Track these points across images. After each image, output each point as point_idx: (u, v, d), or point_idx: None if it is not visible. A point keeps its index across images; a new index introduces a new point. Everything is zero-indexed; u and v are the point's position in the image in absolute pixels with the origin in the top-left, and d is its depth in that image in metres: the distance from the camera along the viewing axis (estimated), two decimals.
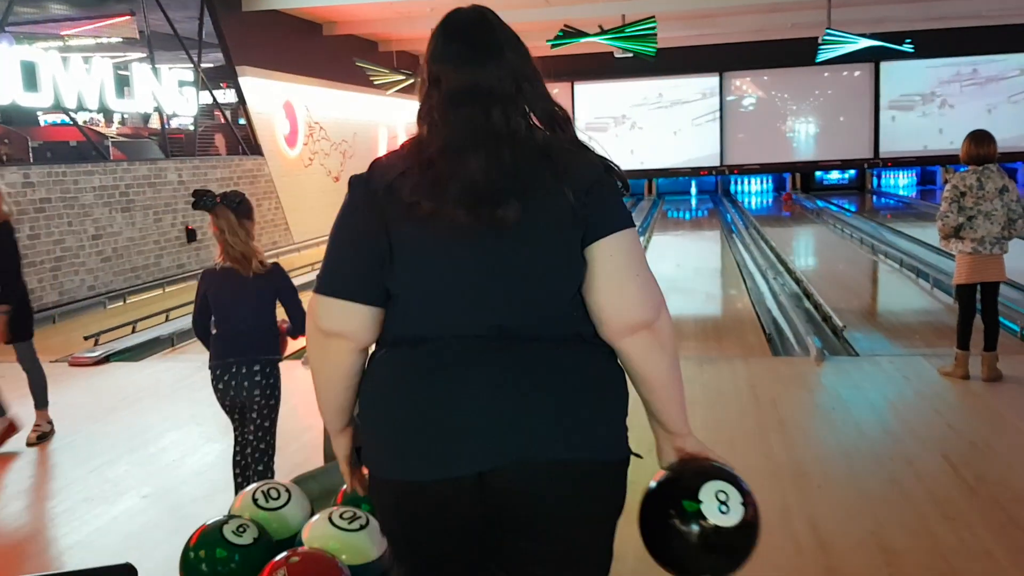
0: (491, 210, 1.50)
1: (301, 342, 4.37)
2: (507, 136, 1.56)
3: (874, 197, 20.83)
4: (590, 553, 1.71)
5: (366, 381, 1.65)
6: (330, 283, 1.63)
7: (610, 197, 1.61)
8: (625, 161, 21.61)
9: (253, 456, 3.60)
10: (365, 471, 1.72)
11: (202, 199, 3.51)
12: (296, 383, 6.06)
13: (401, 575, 1.71)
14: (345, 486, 2.40)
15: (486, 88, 1.59)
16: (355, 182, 1.73)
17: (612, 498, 1.68)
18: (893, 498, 3.60)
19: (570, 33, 13.21)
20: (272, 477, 3.59)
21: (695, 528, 1.66)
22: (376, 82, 16.10)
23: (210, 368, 3.53)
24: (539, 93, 1.68)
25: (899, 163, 21.83)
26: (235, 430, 3.63)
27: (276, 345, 3.74)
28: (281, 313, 3.76)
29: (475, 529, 1.60)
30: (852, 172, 22.41)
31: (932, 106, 21.38)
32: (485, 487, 1.54)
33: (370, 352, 1.66)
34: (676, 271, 10.48)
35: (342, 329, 1.61)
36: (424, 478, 1.54)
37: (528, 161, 1.56)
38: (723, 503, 1.70)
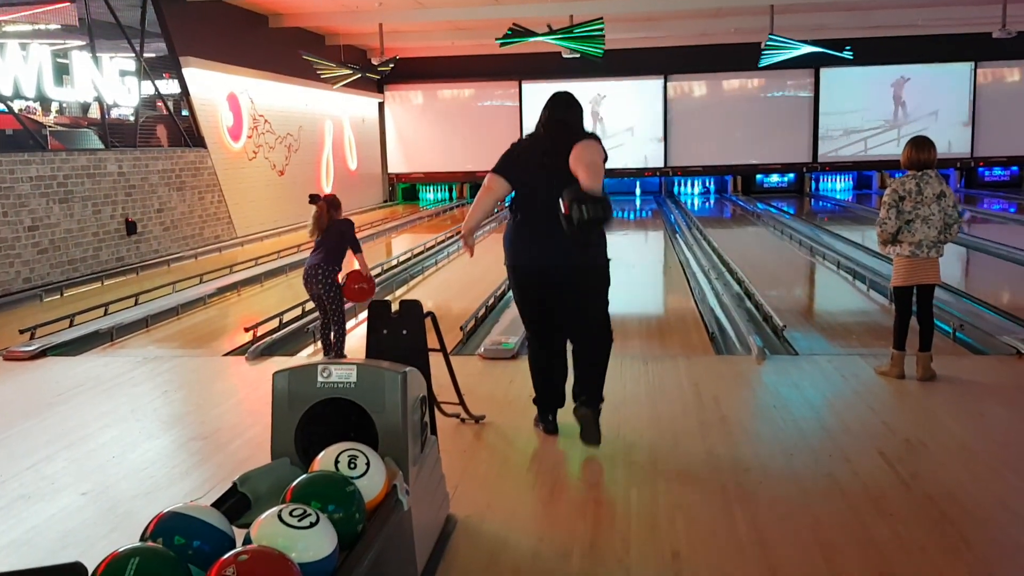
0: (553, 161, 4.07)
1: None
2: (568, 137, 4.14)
3: (812, 200, 21.25)
4: (599, 298, 4.30)
5: (508, 225, 4.36)
6: (496, 168, 4.27)
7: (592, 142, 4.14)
8: None
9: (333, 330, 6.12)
10: (470, 248, 4.49)
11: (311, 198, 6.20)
12: (241, 378, 6.01)
13: (520, 311, 4.46)
14: (295, 483, 2.41)
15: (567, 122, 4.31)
16: (515, 142, 4.45)
17: (603, 279, 4.30)
18: (831, 494, 3.69)
19: (519, 32, 13.24)
20: (342, 348, 6.12)
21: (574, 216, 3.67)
22: (323, 76, 15.95)
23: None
24: (582, 122, 4.36)
25: (837, 167, 22.32)
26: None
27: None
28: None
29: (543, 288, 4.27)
30: (791, 175, 22.83)
31: (870, 112, 21.87)
32: (544, 271, 4.19)
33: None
34: (621, 271, 10.56)
35: (494, 187, 4.25)
36: (522, 264, 4.26)
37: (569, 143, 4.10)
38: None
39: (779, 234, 14.08)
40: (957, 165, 21.59)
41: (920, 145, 5.23)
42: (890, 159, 21.32)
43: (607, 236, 4.23)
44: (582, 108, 4.39)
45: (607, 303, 4.34)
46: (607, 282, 4.31)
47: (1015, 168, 22.06)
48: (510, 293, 8.99)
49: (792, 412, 4.81)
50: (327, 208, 6.11)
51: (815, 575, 3.02)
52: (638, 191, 23.18)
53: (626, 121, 22.33)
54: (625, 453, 4.24)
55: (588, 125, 4.54)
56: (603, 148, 4.15)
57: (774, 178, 22.96)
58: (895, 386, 5.24)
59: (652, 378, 5.50)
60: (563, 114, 4.30)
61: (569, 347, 4.45)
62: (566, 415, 4.44)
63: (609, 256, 4.29)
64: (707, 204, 21.11)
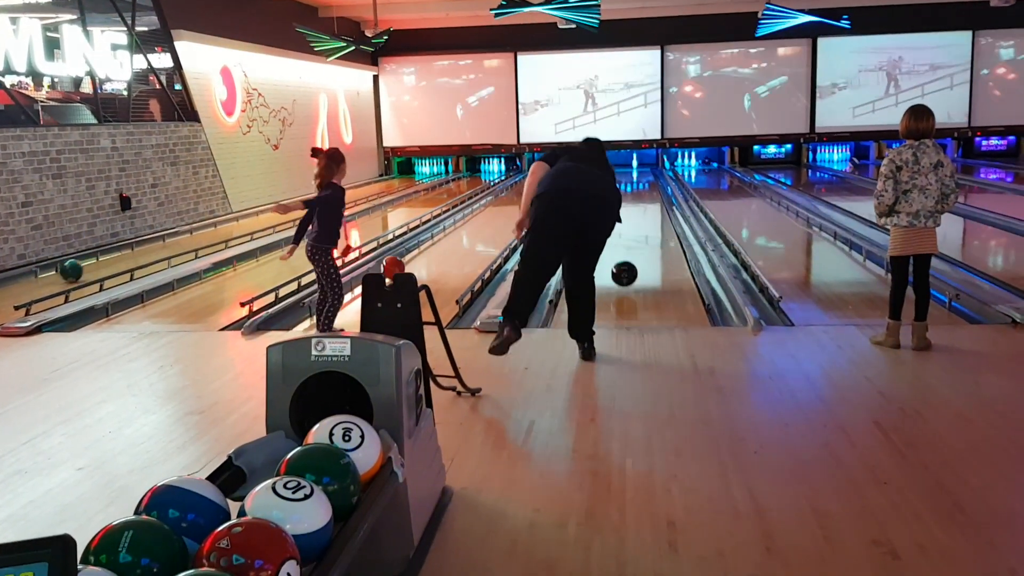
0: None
1: None
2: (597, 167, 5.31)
3: (809, 171, 21.19)
4: (607, 228, 5.18)
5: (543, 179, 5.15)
6: (543, 158, 5.29)
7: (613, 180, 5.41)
8: (566, 134, 21.80)
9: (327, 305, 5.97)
10: (521, 230, 5.18)
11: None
12: (237, 352, 6.01)
13: (528, 239, 5.03)
14: (290, 455, 2.41)
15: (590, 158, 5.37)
16: (551, 151, 5.46)
17: (615, 211, 5.19)
18: (827, 464, 3.70)
19: (513, 2, 13.12)
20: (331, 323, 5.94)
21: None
22: (316, 48, 15.83)
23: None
24: (606, 159, 5.45)
25: (834, 138, 22.25)
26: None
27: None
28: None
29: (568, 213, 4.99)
30: (788, 146, 22.76)
31: (867, 82, 21.77)
32: (572, 195, 5.01)
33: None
34: (617, 243, 10.55)
35: (539, 172, 5.18)
36: (553, 192, 5.02)
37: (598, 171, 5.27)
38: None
39: (776, 205, 14.05)
40: (955, 135, 21.51)
41: (918, 114, 5.19)
42: (888, 129, 21.25)
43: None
44: (603, 146, 5.53)
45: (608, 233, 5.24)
46: (610, 228, 5.20)
47: (1012, 138, 22.00)
48: (506, 267, 9.04)
49: (788, 382, 4.82)
50: (326, 163, 5.82)
51: (811, 543, 3.03)
52: (635, 163, 23.11)
53: (622, 92, 22.21)
54: (621, 424, 4.25)
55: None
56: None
57: (771, 149, 22.88)
58: (891, 356, 5.25)
59: (648, 349, 5.50)
60: (594, 153, 5.40)
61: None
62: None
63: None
64: (709, 177, 21.03)
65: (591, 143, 5.50)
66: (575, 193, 4.98)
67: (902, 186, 5.16)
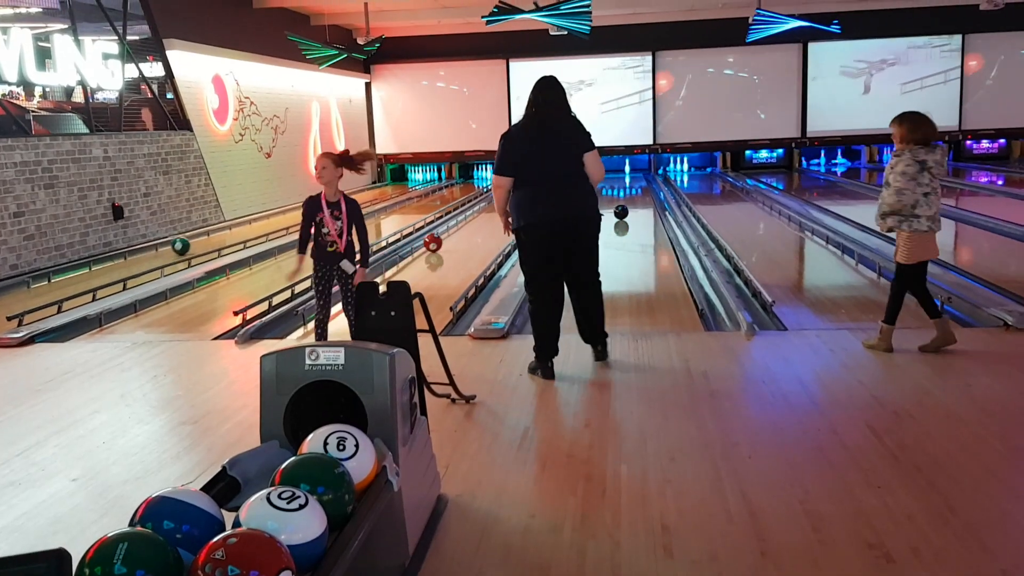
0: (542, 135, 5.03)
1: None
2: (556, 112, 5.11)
3: (801, 176, 21.26)
4: (597, 246, 5.19)
5: (513, 197, 5.05)
6: (497, 170, 5.09)
7: (586, 140, 5.11)
8: None
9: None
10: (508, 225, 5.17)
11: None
12: (230, 361, 6.00)
13: (525, 269, 5.20)
14: (284, 465, 2.41)
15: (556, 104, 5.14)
16: (505, 134, 5.10)
17: (598, 229, 5.15)
18: (820, 466, 3.72)
19: (505, 9, 13.15)
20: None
21: None
22: (308, 56, 15.83)
23: None
24: (566, 100, 5.18)
25: (826, 142, 22.31)
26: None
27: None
28: None
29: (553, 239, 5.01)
30: (780, 151, 22.82)
31: (858, 86, 21.85)
32: (554, 222, 4.98)
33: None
34: (611, 248, 10.58)
35: (502, 184, 5.07)
36: (534, 221, 4.98)
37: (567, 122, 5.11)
38: None
39: (768, 210, 14.09)
40: (945, 138, 21.58)
41: (923, 120, 5.13)
42: (879, 133, 21.31)
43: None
44: (563, 89, 5.19)
45: (598, 249, 5.24)
46: (599, 231, 5.19)
47: (1003, 140, 22.10)
48: (500, 272, 9.05)
49: (781, 386, 4.83)
50: (332, 164, 5.42)
51: (804, 545, 3.04)
52: (627, 168, 23.15)
53: (614, 98, 22.25)
54: (615, 428, 4.26)
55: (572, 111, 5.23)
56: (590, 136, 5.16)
57: (763, 154, 22.95)
58: (883, 359, 5.27)
59: (642, 354, 5.51)
60: (549, 95, 5.10)
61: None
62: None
63: (601, 212, 5.20)
64: (702, 182, 21.07)
65: (544, 101, 5.10)
66: (560, 223, 4.99)
67: (923, 188, 5.08)
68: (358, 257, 5.52)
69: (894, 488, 3.46)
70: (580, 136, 5.09)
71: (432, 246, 10.60)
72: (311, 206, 5.40)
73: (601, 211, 5.20)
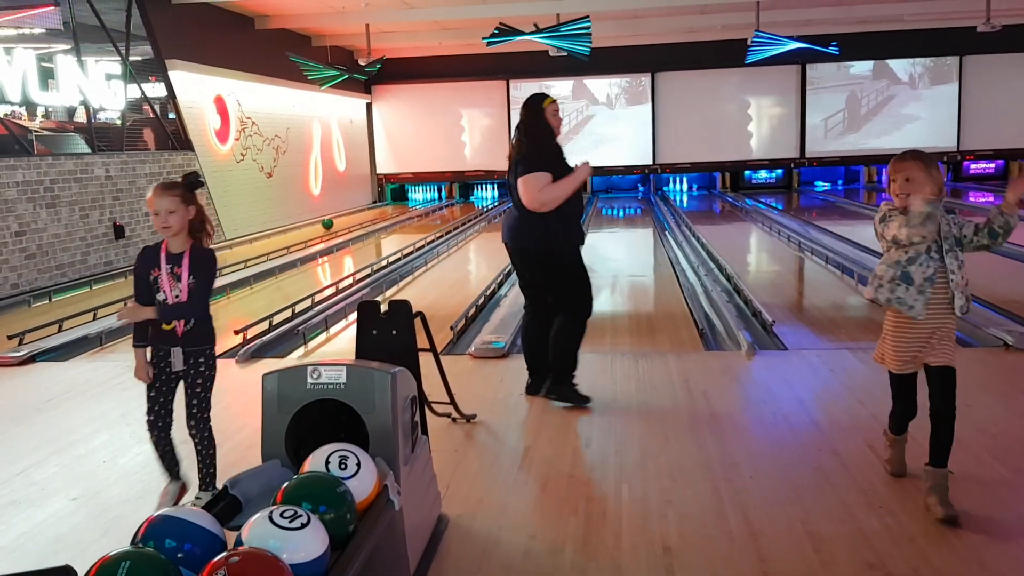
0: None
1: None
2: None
3: (800, 196, 21.32)
4: (547, 279, 4.88)
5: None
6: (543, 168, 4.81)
7: (521, 166, 4.73)
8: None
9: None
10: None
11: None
12: (231, 380, 6.00)
13: (583, 285, 4.91)
14: (286, 484, 2.41)
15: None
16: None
17: (535, 258, 4.85)
18: (821, 487, 3.71)
19: (505, 31, 13.25)
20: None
21: None
22: (310, 77, 15.92)
23: None
24: (525, 126, 4.86)
25: (824, 163, 22.39)
26: None
27: None
28: None
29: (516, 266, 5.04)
30: (779, 171, 22.90)
31: (856, 107, 21.95)
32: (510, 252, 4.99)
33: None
34: (611, 267, 10.60)
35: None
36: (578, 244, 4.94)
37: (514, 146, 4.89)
38: None
39: (768, 230, 14.12)
40: (944, 159, 21.69)
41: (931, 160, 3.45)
42: (877, 154, 21.42)
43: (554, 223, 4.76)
44: (528, 108, 4.85)
45: (576, 279, 4.88)
46: (547, 263, 4.82)
47: (1001, 161, 22.17)
48: (500, 292, 9.07)
49: (781, 407, 4.83)
50: (182, 202, 3.54)
51: (805, 566, 3.04)
52: (626, 188, 23.21)
53: (613, 119, 22.35)
54: (616, 449, 4.26)
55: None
56: (532, 160, 4.70)
57: (762, 174, 23.03)
58: (883, 380, 5.26)
59: (642, 374, 5.52)
60: (521, 116, 4.94)
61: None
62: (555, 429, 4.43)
63: (563, 241, 4.82)
64: (701, 202, 21.13)
65: (522, 122, 4.89)
66: (510, 252, 5.02)
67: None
68: (187, 325, 3.57)
69: (895, 509, 3.46)
70: (515, 161, 4.78)
71: None
72: (144, 263, 3.56)
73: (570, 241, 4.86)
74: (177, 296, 3.52)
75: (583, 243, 4.98)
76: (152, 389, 3.65)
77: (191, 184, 3.60)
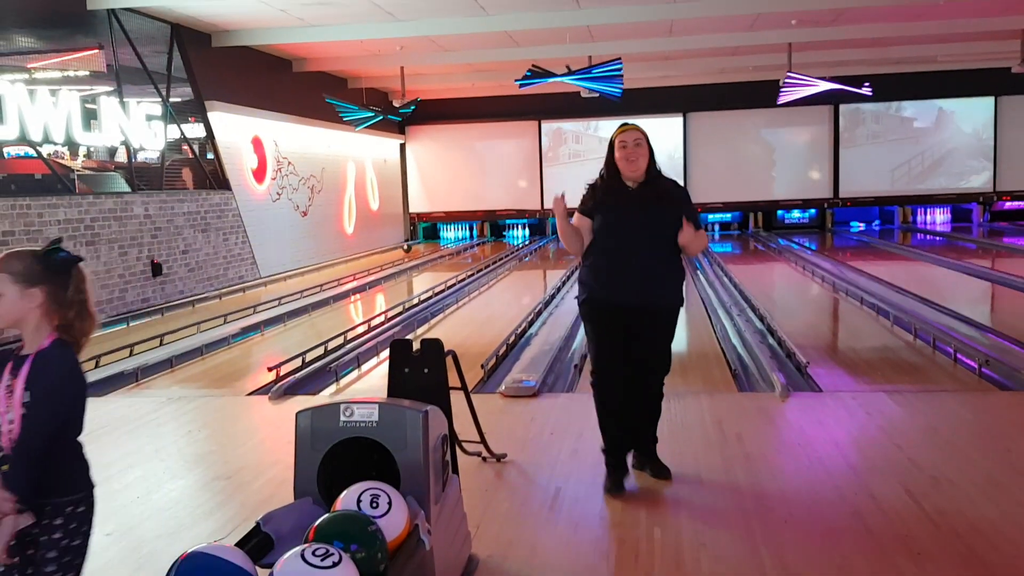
0: None
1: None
2: None
3: (834, 236, 21.17)
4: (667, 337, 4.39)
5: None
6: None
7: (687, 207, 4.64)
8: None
9: None
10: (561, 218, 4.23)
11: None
12: (263, 417, 6.04)
13: (590, 345, 4.37)
14: (318, 522, 2.42)
15: None
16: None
17: (673, 319, 4.36)
18: (857, 532, 3.65)
19: (538, 73, 13.38)
20: None
21: None
22: (345, 118, 16.16)
23: None
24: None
25: (858, 203, 22.25)
26: None
27: None
28: None
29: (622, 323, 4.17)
30: (812, 211, 22.79)
31: (889, 148, 21.83)
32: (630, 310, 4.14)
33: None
34: None
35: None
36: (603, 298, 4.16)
37: None
38: None
39: (801, 270, 14.02)
40: (980, 199, 21.48)
41: None
42: (911, 194, 21.27)
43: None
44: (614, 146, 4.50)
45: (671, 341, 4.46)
46: (675, 322, 4.39)
47: None
48: (530, 331, 9.08)
49: (816, 449, 4.77)
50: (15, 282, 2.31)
51: None
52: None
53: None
54: (648, 490, 4.22)
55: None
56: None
57: (795, 214, 22.92)
58: (920, 423, 5.19)
59: (675, 415, 5.47)
60: None
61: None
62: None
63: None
64: (734, 242, 21.05)
65: None
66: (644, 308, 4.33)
67: None
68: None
69: (933, 555, 3.39)
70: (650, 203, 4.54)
71: None
72: None
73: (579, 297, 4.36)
74: (11, 426, 2.29)
75: None
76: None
77: (49, 259, 2.33)
